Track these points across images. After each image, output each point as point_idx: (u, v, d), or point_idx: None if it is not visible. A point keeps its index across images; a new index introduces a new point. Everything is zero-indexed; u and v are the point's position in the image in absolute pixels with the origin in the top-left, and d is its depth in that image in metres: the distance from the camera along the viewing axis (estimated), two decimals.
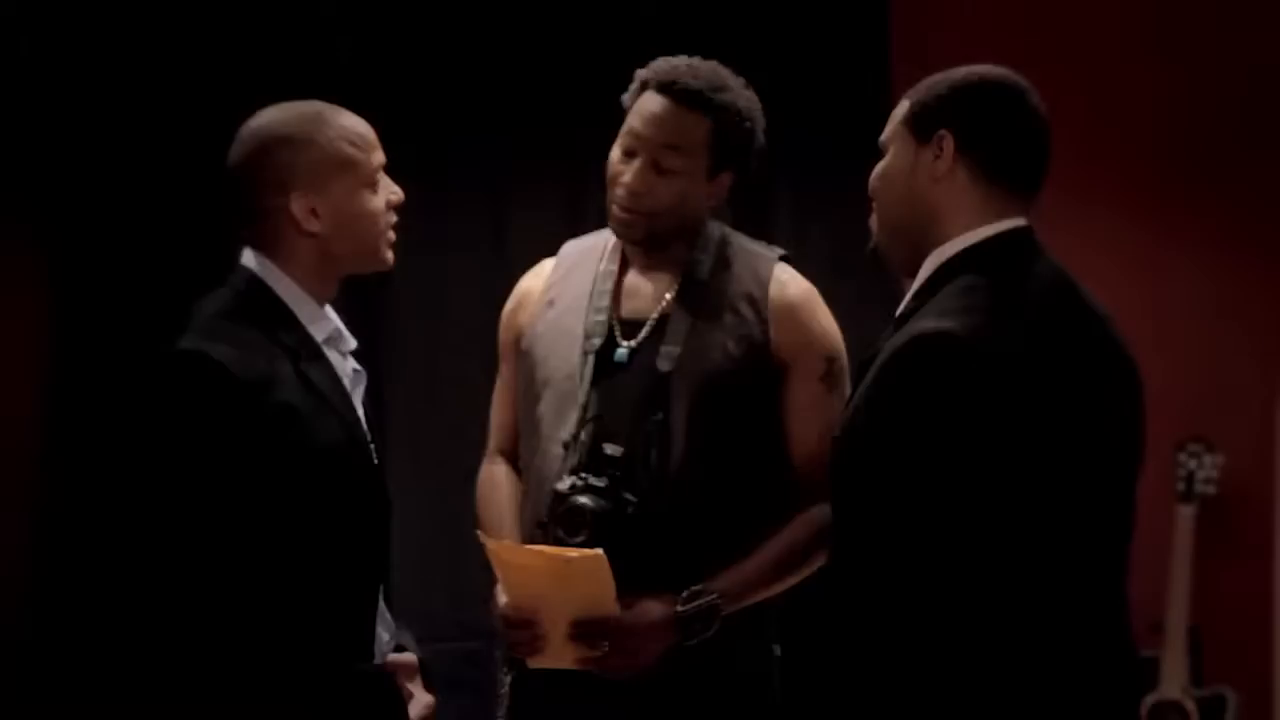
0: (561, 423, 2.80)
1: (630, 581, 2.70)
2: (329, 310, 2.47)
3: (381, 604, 2.46)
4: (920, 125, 2.25)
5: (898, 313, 2.26)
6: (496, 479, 2.95)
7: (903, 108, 2.30)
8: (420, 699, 2.51)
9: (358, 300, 4.19)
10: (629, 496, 2.71)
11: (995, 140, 2.25)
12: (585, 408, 2.79)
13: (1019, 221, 2.26)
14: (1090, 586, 2.17)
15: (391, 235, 2.49)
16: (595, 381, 2.80)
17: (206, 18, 4.18)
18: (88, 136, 4.18)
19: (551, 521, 2.73)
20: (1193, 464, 4.34)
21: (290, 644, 2.27)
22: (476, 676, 3.78)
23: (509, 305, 2.99)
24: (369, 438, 2.46)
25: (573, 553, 2.66)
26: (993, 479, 2.07)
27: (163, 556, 2.23)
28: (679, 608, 2.70)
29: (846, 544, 2.18)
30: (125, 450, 2.29)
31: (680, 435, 2.77)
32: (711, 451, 2.78)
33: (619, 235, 2.85)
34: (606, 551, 2.66)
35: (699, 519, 2.76)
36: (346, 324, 2.50)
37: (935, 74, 2.31)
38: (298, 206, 2.38)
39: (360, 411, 2.46)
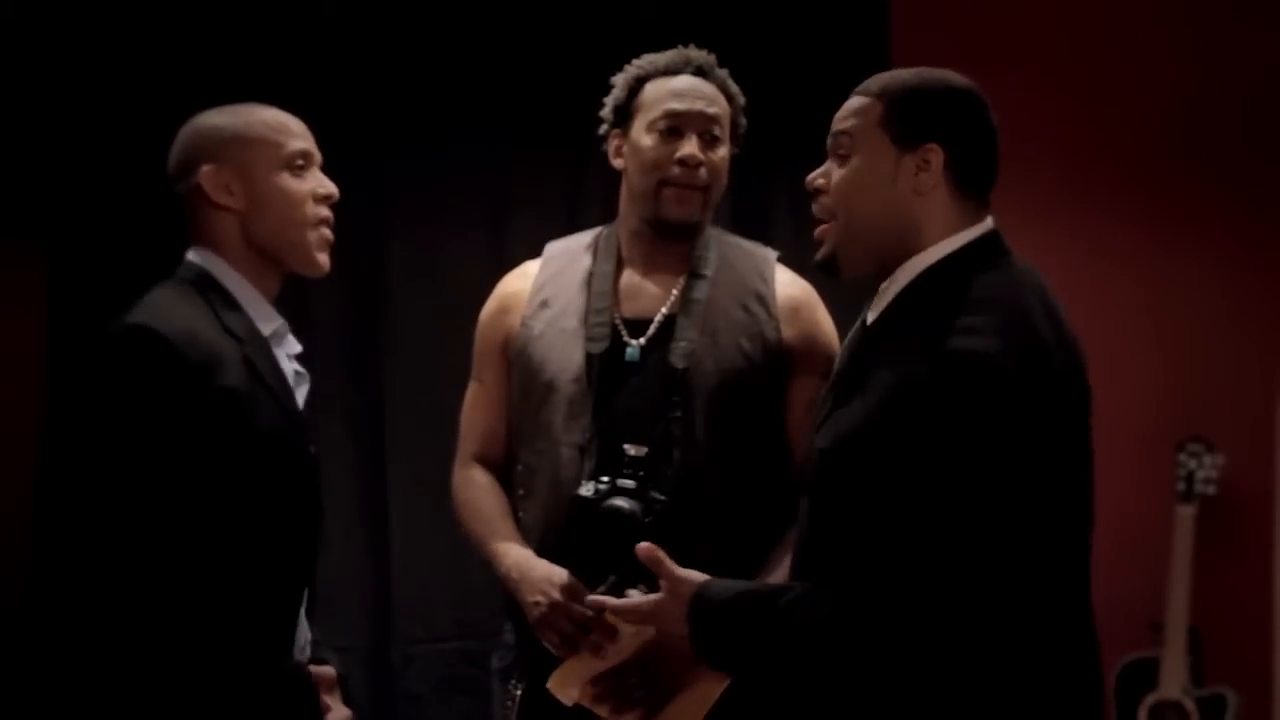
0: (573, 426, 2.79)
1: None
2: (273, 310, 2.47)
3: (302, 611, 2.44)
4: (902, 134, 2.17)
5: (872, 319, 2.23)
6: (481, 484, 2.92)
7: (872, 108, 2.20)
8: (338, 712, 2.48)
9: (357, 301, 4.22)
10: (657, 495, 2.70)
11: (979, 155, 2.19)
12: (597, 409, 2.78)
13: (987, 225, 2.22)
14: (1076, 594, 2.18)
15: (325, 233, 2.48)
16: (605, 382, 2.80)
17: (207, 27, 4.18)
18: (86, 144, 4.18)
19: (582, 528, 2.69)
20: (1193, 464, 4.34)
21: (219, 632, 2.25)
22: (476, 676, 3.79)
23: (491, 308, 2.97)
24: (309, 435, 2.44)
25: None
26: (1021, 494, 2.04)
27: (97, 537, 2.21)
28: None
29: (831, 553, 2.16)
30: (72, 430, 2.28)
31: (702, 431, 2.77)
32: (731, 446, 2.79)
33: (676, 217, 2.83)
34: (634, 554, 2.65)
35: (723, 513, 2.77)
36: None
37: (895, 72, 2.24)
38: (206, 180, 2.41)
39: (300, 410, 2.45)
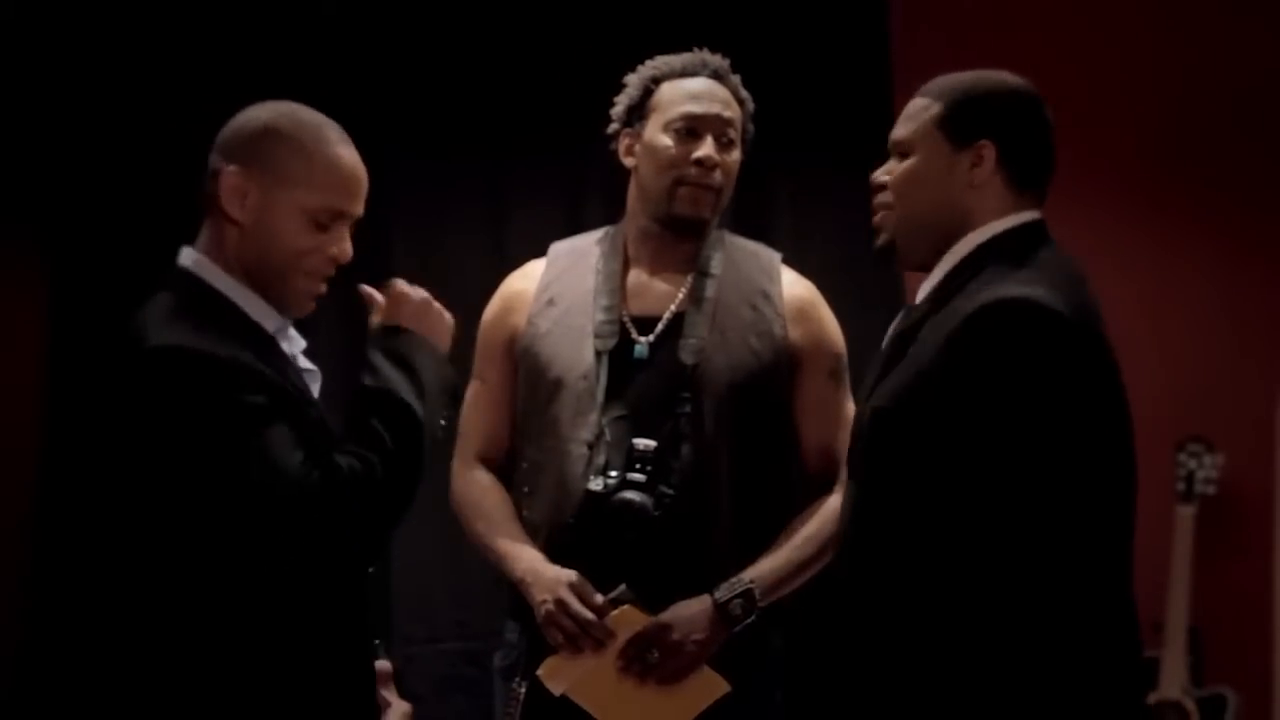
0: (582, 423, 2.80)
1: (667, 574, 2.73)
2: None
3: None
4: (957, 131, 2.30)
5: (926, 293, 2.31)
6: (484, 484, 2.93)
7: (930, 109, 2.33)
8: (397, 706, 2.48)
9: (357, 301, 4.22)
10: (666, 490, 2.72)
11: (1031, 152, 2.33)
12: (606, 406, 2.79)
13: (1036, 214, 2.35)
14: (1121, 568, 2.24)
15: (317, 288, 2.33)
16: (613, 379, 2.81)
17: (207, 27, 4.18)
18: (86, 143, 4.18)
19: (591, 522, 2.73)
20: (1193, 464, 4.34)
21: (287, 639, 2.22)
22: (476, 676, 3.79)
23: (495, 308, 2.99)
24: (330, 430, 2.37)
25: (611, 617, 2.71)
26: (1075, 443, 2.13)
27: (160, 557, 2.17)
28: (716, 595, 2.73)
29: (888, 512, 2.21)
30: (110, 452, 2.18)
31: (711, 426, 2.79)
32: (739, 442, 2.82)
33: (689, 214, 2.86)
34: (643, 549, 2.71)
35: (731, 507, 2.79)
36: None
37: (954, 74, 2.37)
38: (226, 179, 2.25)
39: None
